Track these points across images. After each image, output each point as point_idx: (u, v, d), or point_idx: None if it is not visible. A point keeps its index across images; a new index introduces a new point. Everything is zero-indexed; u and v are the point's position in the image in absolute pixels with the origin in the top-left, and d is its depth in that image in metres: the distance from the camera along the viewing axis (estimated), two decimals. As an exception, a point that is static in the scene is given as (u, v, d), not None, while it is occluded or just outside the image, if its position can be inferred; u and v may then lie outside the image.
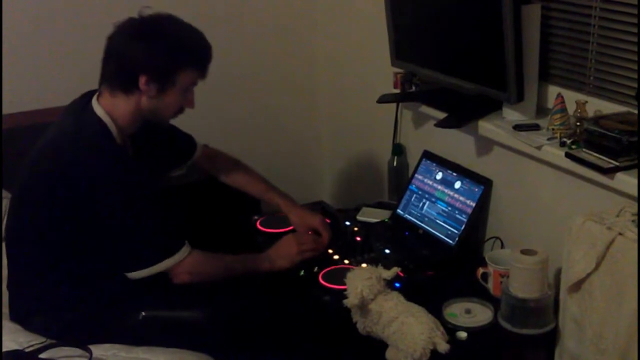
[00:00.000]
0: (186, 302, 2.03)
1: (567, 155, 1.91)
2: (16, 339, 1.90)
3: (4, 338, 1.88)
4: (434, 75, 2.39)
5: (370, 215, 2.56)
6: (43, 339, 1.87)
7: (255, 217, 2.55)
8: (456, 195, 2.35)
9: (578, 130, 1.95)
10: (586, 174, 1.89)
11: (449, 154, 2.45)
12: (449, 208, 2.35)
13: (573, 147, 1.93)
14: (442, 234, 2.34)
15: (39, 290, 2.02)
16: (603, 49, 2.01)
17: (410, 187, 2.52)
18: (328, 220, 2.41)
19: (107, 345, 1.92)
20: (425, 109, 2.48)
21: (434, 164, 2.47)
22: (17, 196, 2.07)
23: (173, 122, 2.17)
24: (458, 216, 2.31)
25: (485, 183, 2.29)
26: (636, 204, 1.73)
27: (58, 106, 2.53)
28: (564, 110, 2.00)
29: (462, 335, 1.93)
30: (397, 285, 2.07)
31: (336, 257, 2.27)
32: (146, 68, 1.93)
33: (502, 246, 2.27)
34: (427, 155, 2.51)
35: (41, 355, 1.79)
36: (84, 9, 2.75)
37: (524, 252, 1.94)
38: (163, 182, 2.35)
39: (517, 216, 2.25)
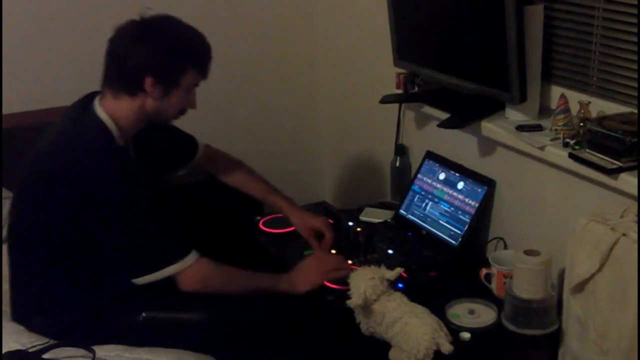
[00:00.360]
0: (188, 303, 2.03)
1: (571, 155, 1.91)
2: (19, 339, 1.90)
3: (7, 338, 1.88)
4: (437, 76, 2.39)
5: (373, 216, 2.56)
6: (46, 340, 1.87)
7: (258, 218, 2.55)
8: (459, 196, 2.35)
9: (581, 131, 1.94)
10: (589, 174, 1.89)
11: (452, 155, 2.45)
12: (452, 208, 2.35)
13: (576, 147, 1.93)
14: (445, 235, 2.34)
15: (41, 290, 2.02)
16: (606, 50, 2.01)
17: (412, 187, 2.52)
18: (331, 221, 2.41)
19: (110, 346, 1.92)
20: (427, 110, 2.48)
21: (437, 165, 2.47)
22: (18, 196, 2.07)
23: (175, 122, 2.17)
24: (461, 217, 2.31)
25: (488, 183, 2.29)
26: (640, 205, 1.73)
27: (58, 106, 2.53)
28: (567, 110, 2.00)
29: (466, 335, 1.93)
30: (400, 285, 2.07)
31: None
32: (152, 70, 1.93)
33: (505, 247, 2.27)
34: (430, 155, 2.51)
35: (44, 356, 1.79)
36: (84, 9, 2.75)
37: (528, 252, 1.94)
38: (165, 182, 2.35)
39: (521, 217, 2.25)
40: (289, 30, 3.11)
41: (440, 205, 2.40)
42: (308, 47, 3.16)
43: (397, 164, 2.71)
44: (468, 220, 2.29)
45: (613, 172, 1.81)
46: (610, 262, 1.68)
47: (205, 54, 2.01)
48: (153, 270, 1.96)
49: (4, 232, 2.36)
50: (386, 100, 2.57)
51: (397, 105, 2.67)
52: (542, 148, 2.01)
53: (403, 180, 2.67)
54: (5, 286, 2.11)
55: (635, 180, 1.78)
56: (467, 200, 2.32)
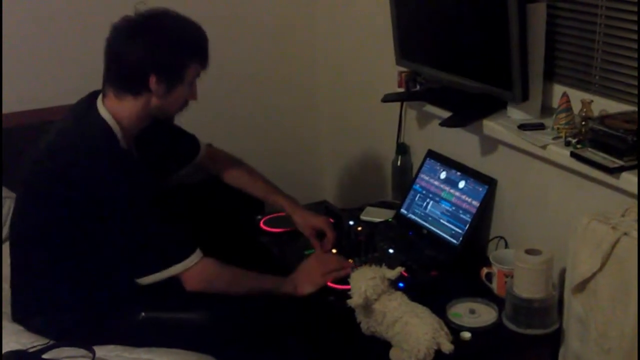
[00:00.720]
0: (188, 303, 2.02)
1: (573, 154, 1.91)
2: (19, 339, 1.90)
3: (7, 339, 1.89)
4: (439, 74, 2.38)
5: (374, 215, 2.55)
6: (46, 340, 1.87)
7: (259, 217, 2.55)
8: (460, 195, 2.34)
9: (583, 130, 1.94)
10: (591, 173, 1.88)
11: (454, 154, 2.44)
12: (453, 208, 2.35)
13: (578, 146, 1.93)
14: (446, 234, 2.33)
15: (41, 290, 2.02)
16: (609, 48, 2.00)
17: (414, 186, 2.52)
18: (332, 220, 2.40)
19: (110, 346, 1.92)
20: (429, 108, 2.47)
21: (438, 164, 2.46)
22: (20, 195, 2.07)
23: (177, 122, 2.17)
24: (462, 216, 2.31)
25: (489, 182, 2.28)
26: (642, 204, 1.72)
27: (58, 105, 2.54)
28: (569, 109, 2.00)
29: (466, 335, 1.93)
30: (401, 285, 2.07)
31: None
32: (155, 68, 1.92)
33: (507, 246, 2.26)
34: (431, 154, 2.51)
35: (44, 356, 1.79)
36: (84, 8, 2.74)
37: (529, 252, 1.94)
38: (166, 182, 2.35)
39: (522, 216, 2.24)
40: (290, 30, 3.11)
41: (441, 205, 2.39)
42: (309, 46, 3.16)
43: (399, 162, 2.70)
44: (469, 220, 2.28)
45: (615, 171, 1.81)
46: (612, 262, 1.67)
47: (204, 44, 2.00)
48: (157, 269, 1.96)
49: (4, 232, 2.37)
50: (388, 98, 2.57)
51: (398, 103, 2.66)
52: (544, 147, 2.01)
53: (404, 179, 2.67)
54: (6, 286, 2.11)
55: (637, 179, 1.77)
56: (468, 199, 2.31)
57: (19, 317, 2.02)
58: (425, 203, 2.45)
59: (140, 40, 1.92)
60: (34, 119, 2.62)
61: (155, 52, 1.91)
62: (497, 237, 2.30)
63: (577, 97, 2.02)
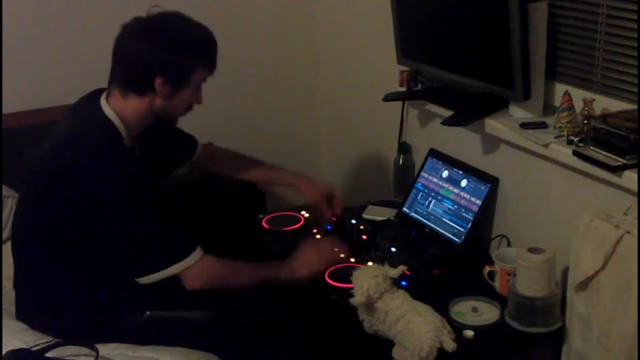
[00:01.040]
0: (191, 301, 2.02)
1: (575, 153, 1.91)
2: (22, 337, 1.91)
3: (10, 337, 1.89)
4: (440, 73, 2.38)
5: (376, 214, 2.55)
6: (49, 338, 1.87)
7: (261, 216, 2.55)
8: (462, 194, 2.34)
9: (585, 128, 1.94)
10: (594, 172, 1.88)
11: (455, 152, 2.44)
12: (455, 206, 2.35)
13: (580, 145, 1.93)
14: (448, 232, 2.33)
15: (44, 289, 2.02)
16: (610, 47, 2.00)
17: (416, 185, 2.52)
18: (334, 219, 2.41)
19: (113, 345, 1.92)
20: (431, 107, 2.47)
21: (440, 162, 2.47)
22: (22, 194, 2.07)
23: (178, 122, 2.17)
24: (464, 214, 2.31)
25: (491, 181, 2.28)
26: (644, 202, 1.72)
27: (58, 105, 2.54)
28: (571, 108, 2.00)
29: (469, 333, 1.93)
30: (404, 283, 2.07)
31: (342, 255, 2.26)
32: (162, 70, 1.93)
33: (509, 244, 2.26)
34: (433, 153, 2.51)
35: (48, 354, 1.80)
36: (84, 8, 2.75)
37: (531, 250, 1.94)
38: (166, 181, 2.35)
39: (524, 214, 2.24)
40: (291, 30, 3.11)
41: (443, 203, 2.39)
42: (310, 45, 3.16)
43: (400, 161, 2.70)
44: (471, 218, 2.28)
45: (617, 170, 1.81)
46: (614, 260, 1.67)
47: (213, 50, 2.01)
48: (157, 269, 1.96)
49: (6, 232, 2.38)
50: (389, 98, 2.57)
51: (400, 103, 2.66)
52: (546, 145, 2.01)
53: (406, 178, 2.67)
54: (9, 285, 2.11)
55: (640, 178, 1.78)
56: (470, 197, 2.32)
57: (22, 316, 2.03)
58: (427, 202, 2.45)
59: (149, 41, 1.92)
60: (33, 119, 2.63)
61: (163, 54, 1.92)
62: (499, 235, 2.30)
63: (579, 95, 2.02)
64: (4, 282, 2.17)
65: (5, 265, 2.18)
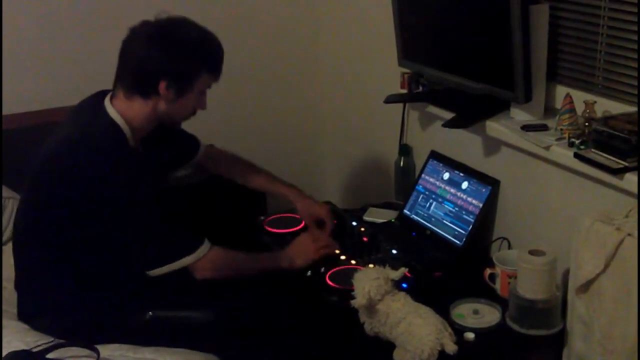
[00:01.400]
0: (193, 302, 2.04)
1: (576, 155, 1.91)
2: (23, 338, 1.91)
3: (11, 337, 1.89)
4: (442, 75, 2.38)
5: (377, 216, 2.55)
6: (50, 339, 1.88)
7: (262, 218, 2.55)
8: (463, 196, 2.34)
9: (586, 131, 1.94)
10: (595, 174, 1.88)
11: (456, 154, 2.44)
12: (456, 208, 2.35)
13: (582, 147, 1.93)
14: (449, 235, 2.33)
15: (46, 290, 2.02)
16: (612, 49, 2.00)
17: (417, 187, 2.52)
18: (335, 221, 2.40)
19: (114, 346, 1.92)
20: (432, 109, 2.47)
21: (441, 164, 2.47)
22: (25, 195, 2.07)
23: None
24: (465, 217, 2.31)
25: (492, 183, 2.28)
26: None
27: (58, 107, 2.54)
28: (572, 110, 2.00)
29: (470, 336, 1.93)
30: (405, 285, 2.07)
31: (343, 257, 2.26)
32: (167, 74, 1.94)
33: (510, 247, 2.26)
34: (434, 155, 2.51)
35: (49, 355, 1.80)
36: (85, 9, 2.74)
37: (532, 252, 1.94)
38: (167, 182, 2.35)
39: (525, 217, 2.24)
40: (293, 32, 3.11)
41: (444, 205, 2.39)
42: (312, 47, 3.16)
43: (401, 163, 2.70)
44: (472, 220, 2.28)
45: (618, 172, 1.81)
46: (616, 263, 1.67)
47: (219, 58, 2.02)
48: (170, 261, 1.99)
49: (7, 233, 2.38)
50: (390, 100, 2.57)
51: (401, 105, 2.66)
52: (547, 148, 2.01)
53: (407, 180, 2.67)
54: (10, 286, 2.12)
55: (641, 181, 1.77)
56: (471, 200, 2.32)
57: (23, 317, 2.03)
58: (428, 204, 2.45)
59: (155, 45, 1.93)
60: (34, 121, 2.62)
61: (168, 59, 1.94)
62: (500, 237, 2.30)
63: (580, 98, 2.02)
64: (5, 284, 2.17)
65: (6, 266, 2.18)
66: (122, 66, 1.99)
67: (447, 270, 2.20)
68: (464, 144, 2.41)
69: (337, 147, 3.25)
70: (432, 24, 2.38)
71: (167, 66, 1.94)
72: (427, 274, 2.17)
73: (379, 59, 2.78)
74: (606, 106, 1.99)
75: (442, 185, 2.43)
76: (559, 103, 2.10)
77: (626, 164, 1.80)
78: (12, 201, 2.46)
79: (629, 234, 1.64)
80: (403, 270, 1.97)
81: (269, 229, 2.49)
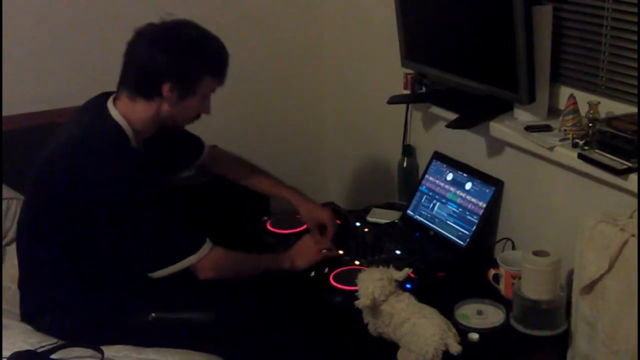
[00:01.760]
0: (196, 303, 2.04)
1: (580, 156, 1.91)
2: (27, 339, 1.91)
3: (15, 338, 1.89)
4: (445, 76, 2.39)
5: (380, 216, 2.55)
6: (54, 340, 1.88)
7: (265, 218, 2.55)
8: (467, 197, 2.34)
9: (590, 131, 1.94)
10: (599, 175, 1.88)
11: (460, 155, 2.44)
12: (460, 209, 2.35)
13: (585, 148, 1.93)
14: (453, 235, 2.33)
15: (50, 290, 2.02)
16: (615, 50, 2.00)
17: (420, 188, 2.52)
18: (338, 222, 2.41)
19: (118, 347, 1.92)
20: (435, 110, 2.47)
21: (445, 165, 2.47)
22: (29, 196, 2.07)
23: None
24: (469, 217, 2.31)
25: (496, 184, 2.29)
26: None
27: (59, 108, 2.54)
28: (576, 111, 2.00)
29: (474, 336, 1.93)
30: (409, 286, 2.07)
31: (347, 258, 2.27)
32: (170, 76, 1.94)
33: (514, 247, 2.26)
34: (438, 156, 2.51)
35: (53, 356, 1.80)
36: (86, 10, 2.74)
37: (536, 253, 1.94)
38: (172, 182, 2.35)
39: (529, 217, 2.24)
40: (296, 31, 3.11)
41: (448, 206, 2.39)
42: (314, 47, 3.16)
43: (405, 164, 2.70)
44: (476, 221, 2.28)
45: (622, 173, 1.81)
46: (620, 263, 1.67)
47: (224, 62, 2.02)
48: (173, 262, 1.99)
49: (10, 234, 2.38)
50: (393, 100, 2.57)
51: (404, 105, 2.66)
52: (551, 148, 2.01)
53: (410, 181, 2.67)
54: (14, 287, 2.12)
55: (645, 181, 1.77)
56: (475, 200, 2.32)
57: (27, 317, 2.03)
58: (431, 204, 2.45)
59: (159, 46, 1.94)
60: (36, 121, 2.63)
61: (172, 60, 1.94)
62: (504, 238, 2.30)
63: (584, 98, 2.02)
64: (9, 284, 2.18)
65: (10, 266, 2.18)
66: (126, 68, 1.99)
67: (450, 271, 2.20)
68: (467, 145, 2.41)
69: (340, 147, 3.25)
70: (435, 24, 2.38)
71: (170, 68, 1.94)
72: (431, 274, 2.17)
73: (381, 59, 2.78)
74: (610, 107, 1.99)
75: (446, 186, 2.43)
76: (562, 104, 2.10)
77: (630, 165, 1.80)
78: (15, 202, 2.46)
79: (633, 235, 1.64)
80: (407, 270, 1.97)
81: (272, 229, 2.50)
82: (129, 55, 1.98)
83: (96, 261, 1.99)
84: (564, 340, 1.91)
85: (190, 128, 2.31)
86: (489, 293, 2.09)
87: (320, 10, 3.11)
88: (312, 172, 3.27)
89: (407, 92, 2.57)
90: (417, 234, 2.43)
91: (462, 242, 2.30)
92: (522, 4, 1.95)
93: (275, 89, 3.14)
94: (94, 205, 1.91)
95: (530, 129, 2.10)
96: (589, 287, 1.75)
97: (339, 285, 2.13)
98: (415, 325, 1.85)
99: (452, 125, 2.31)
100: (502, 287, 2.09)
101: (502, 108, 2.23)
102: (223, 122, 2.92)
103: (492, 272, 2.12)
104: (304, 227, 2.44)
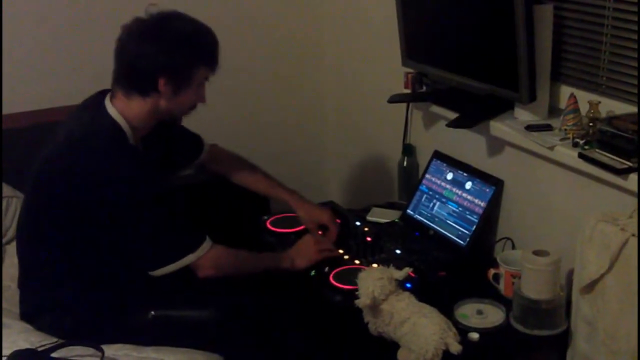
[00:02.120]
0: (196, 301, 2.04)
1: (580, 155, 1.91)
2: (28, 338, 1.91)
3: (15, 337, 1.89)
4: (445, 75, 2.39)
5: (380, 216, 2.55)
6: (54, 338, 1.88)
7: (265, 217, 2.55)
8: (467, 196, 2.34)
9: (591, 131, 1.94)
10: (599, 174, 1.88)
11: (460, 154, 2.44)
12: (460, 208, 2.35)
13: (586, 147, 1.93)
14: (453, 235, 2.33)
15: (49, 289, 2.03)
16: (616, 49, 2.00)
17: (420, 187, 2.52)
18: (338, 221, 2.41)
19: (118, 345, 1.92)
20: (435, 109, 2.47)
21: (445, 164, 2.46)
22: (29, 195, 2.07)
23: (183, 122, 2.17)
24: (469, 217, 2.31)
25: (496, 183, 2.28)
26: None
27: (59, 106, 2.54)
28: (576, 110, 2.00)
29: (474, 336, 1.93)
30: (409, 285, 2.07)
31: (347, 257, 2.27)
32: (164, 70, 1.93)
33: (514, 247, 2.26)
34: (438, 155, 2.51)
35: (53, 354, 1.80)
36: (86, 10, 2.74)
37: (536, 253, 1.94)
38: (172, 181, 2.35)
39: (529, 217, 2.24)
40: (296, 30, 3.11)
41: (448, 205, 2.39)
42: (315, 46, 3.16)
43: (405, 163, 2.70)
44: (476, 221, 2.28)
45: (623, 172, 1.81)
46: (620, 263, 1.67)
47: (214, 48, 2.01)
48: (173, 260, 1.98)
49: (10, 232, 2.38)
50: (394, 99, 2.57)
51: (404, 104, 2.66)
52: (551, 148, 2.01)
53: (410, 180, 2.67)
54: (14, 285, 2.12)
55: (646, 181, 1.77)
56: (475, 200, 2.31)
57: (27, 316, 2.03)
58: (431, 204, 2.45)
59: (149, 41, 1.93)
60: (35, 120, 2.63)
61: (164, 54, 1.92)
62: (504, 238, 2.30)
63: (584, 98, 2.02)
64: (9, 283, 2.18)
65: (10, 265, 2.18)
66: (118, 65, 1.98)
67: (451, 271, 2.20)
68: (467, 144, 2.41)
69: (340, 147, 3.25)
70: (436, 23, 2.38)
71: (163, 62, 1.93)
72: (431, 274, 2.17)
73: (382, 58, 2.78)
74: (610, 106, 1.99)
75: (446, 185, 2.43)
76: (563, 103, 2.10)
77: (630, 164, 1.80)
78: (15, 200, 2.46)
79: (633, 235, 1.64)
80: (407, 270, 1.97)
81: (272, 228, 2.49)
82: (119, 53, 1.96)
83: (96, 260, 1.99)
84: (564, 339, 1.91)
85: (190, 127, 2.31)
86: (489, 293, 2.09)
87: (320, 10, 3.11)
88: (312, 172, 3.27)
89: (408, 91, 2.56)
90: (417, 234, 2.43)
91: (462, 242, 2.29)
92: (522, 3, 1.95)
93: (275, 88, 3.14)
94: (93, 205, 1.91)
95: (530, 128, 2.10)
96: (589, 287, 1.75)
97: (339, 285, 2.13)
98: (416, 324, 1.84)
99: (453, 124, 2.31)
100: (502, 286, 2.09)
101: (502, 107, 2.23)
102: (223, 121, 2.92)
103: (492, 271, 2.12)
104: (304, 226, 2.44)
